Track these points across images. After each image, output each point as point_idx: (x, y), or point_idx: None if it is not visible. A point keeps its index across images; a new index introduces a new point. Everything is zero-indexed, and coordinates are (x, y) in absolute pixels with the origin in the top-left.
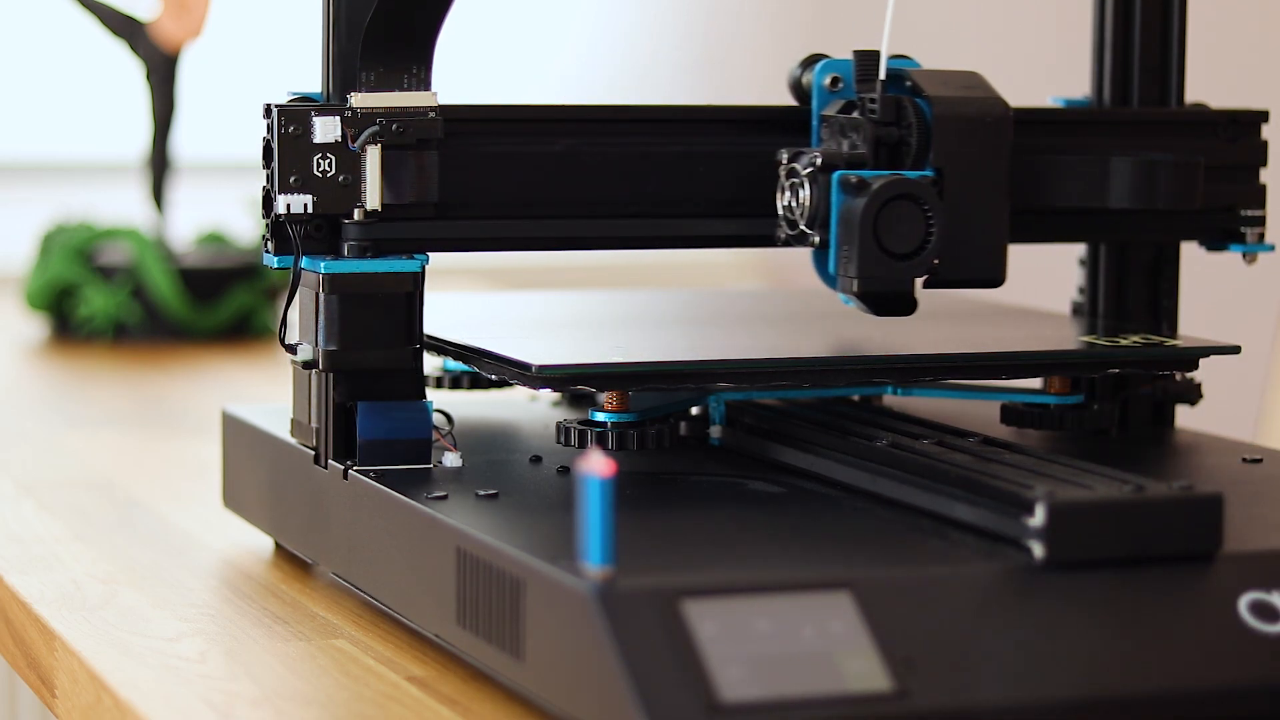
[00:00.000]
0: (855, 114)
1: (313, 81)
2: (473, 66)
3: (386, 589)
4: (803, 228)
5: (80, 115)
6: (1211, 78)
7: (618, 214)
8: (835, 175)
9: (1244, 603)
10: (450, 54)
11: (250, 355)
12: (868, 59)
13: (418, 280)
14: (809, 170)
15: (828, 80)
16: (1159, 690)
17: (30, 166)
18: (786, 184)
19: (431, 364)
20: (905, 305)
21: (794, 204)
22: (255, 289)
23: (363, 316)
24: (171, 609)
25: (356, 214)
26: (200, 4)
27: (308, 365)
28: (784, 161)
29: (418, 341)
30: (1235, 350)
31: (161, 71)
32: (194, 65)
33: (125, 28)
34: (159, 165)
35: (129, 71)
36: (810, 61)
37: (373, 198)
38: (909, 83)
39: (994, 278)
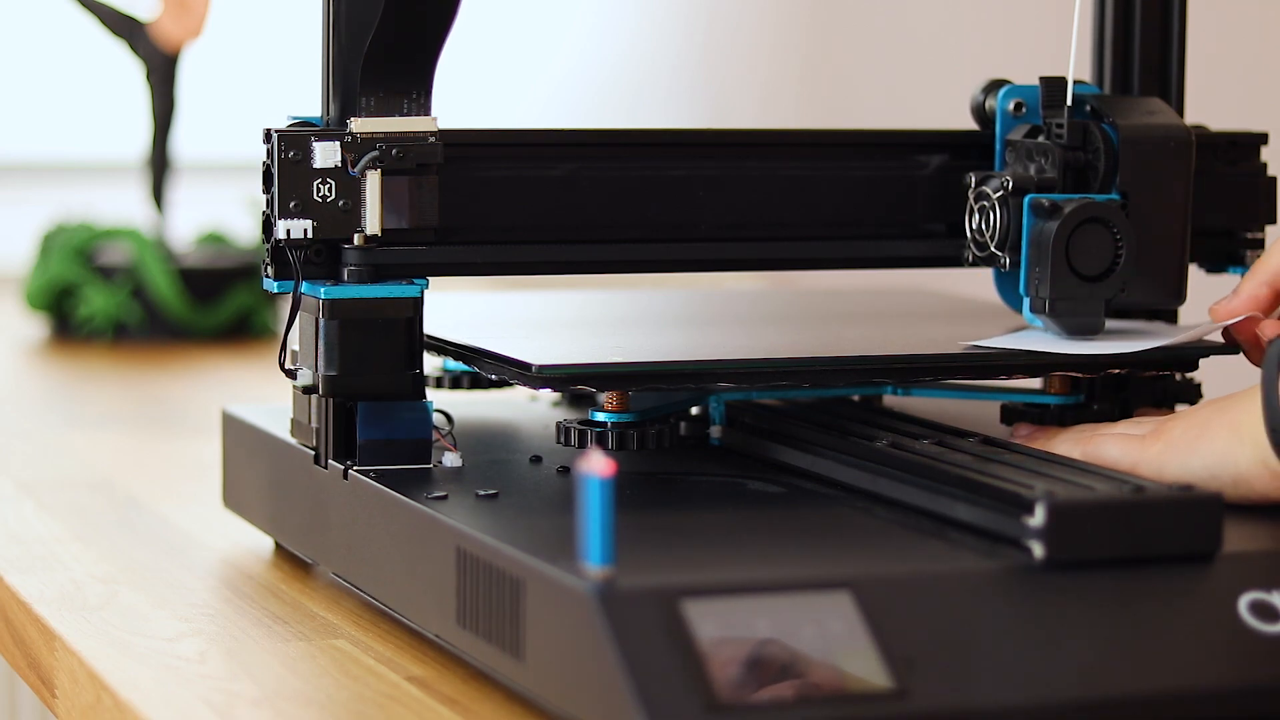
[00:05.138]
0: (1041, 138)
1: (312, 106)
2: (467, 78)
3: (386, 589)
4: (992, 249)
5: (80, 115)
6: (1211, 100)
7: (618, 238)
8: (1026, 199)
9: (1244, 603)
10: (444, 66)
11: (250, 355)
12: (1055, 85)
13: (418, 305)
14: (999, 194)
15: (1011, 105)
16: (1159, 690)
17: (30, 166)
18: (975, 206)
19: (431, 364)
20: (1095, 325)
21: (984, 226)
22: (255, 289)
23: (363, 342)
24: (171, 609)
25: (356, 239)
26: (200, 4)
27: (308, 390)
28: (972, 184)
29: (418, 366)
30: (1235, 350)
31: (161, 71)
32: (194, 65)
33: (125, 28)
34: (159, 165)
35: (129, 71)
36: (993, 87)
37: (373, 223)
38: (1089, 107)
39: (1175, 299)
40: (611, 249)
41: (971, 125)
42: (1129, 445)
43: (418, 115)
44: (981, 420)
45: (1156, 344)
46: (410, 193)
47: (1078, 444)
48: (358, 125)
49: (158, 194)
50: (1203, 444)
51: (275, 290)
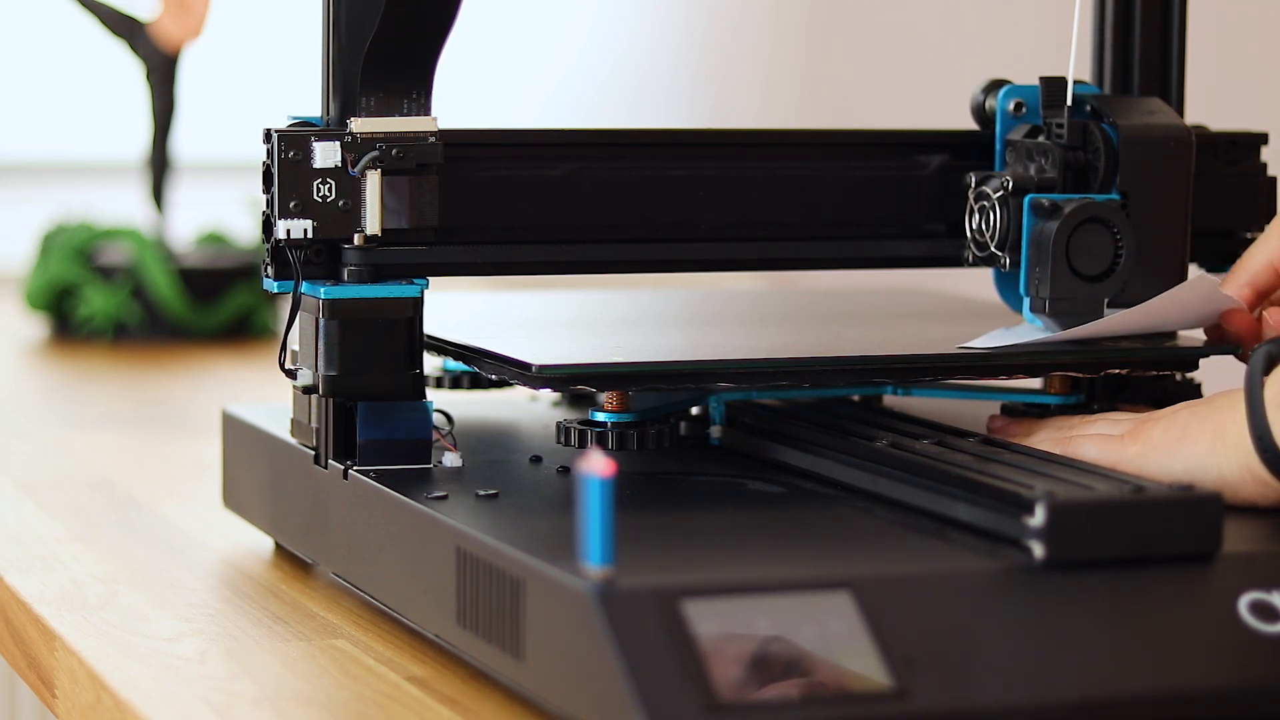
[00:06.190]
0: (1041, 138)
1: (312, 106)
2: (467, 78)
3: (386, 589)
4: (992, 249)
5: (80, 115)
6: (1211, 100)
7: (618, 238)
8: (1026, 199)
9: (1244, 603)
10: (444, 66)
11: (250, 355)
12: (1055, 85)
13: (418, 305)
14: (999, 194)
15: (1011, 105)
16: (1159, 690)
17: (30, 166)
18: (975, 206)
19: (431, 364)
20: None
21: (984, 226)
22: (255, 289)
23: (363, 342)
24: (171, 609)
25: (356, 239)
26: (200, 4)
27: (308, 390)
28: (973, 184)
29: (418, 366)
30: (1235, 350)
31: (161, 71)
32: (194, 65)
33: (125, 28)
34: (159, 165)
35: (129, 71)
36: (993, 87)
37: (373, 223)
38: (1089, 107)
39: None
40: (611, 249)
41: (971, 125)
42: (1107, 446)
43: (418, 115)
44: (981, 420)
45: (1149, 319)
46: (410, 193)
47: (1056, 443)
48: (358, 125)
49: (158, 194)
50: (1184, 447)
51: (275, 290)
